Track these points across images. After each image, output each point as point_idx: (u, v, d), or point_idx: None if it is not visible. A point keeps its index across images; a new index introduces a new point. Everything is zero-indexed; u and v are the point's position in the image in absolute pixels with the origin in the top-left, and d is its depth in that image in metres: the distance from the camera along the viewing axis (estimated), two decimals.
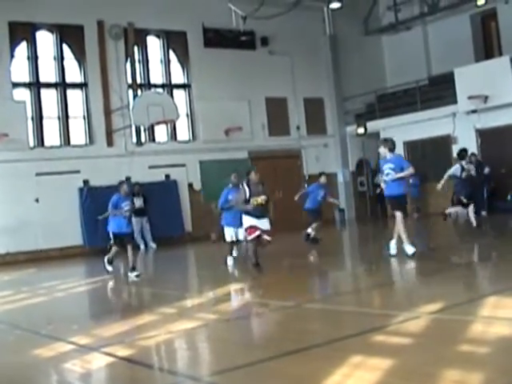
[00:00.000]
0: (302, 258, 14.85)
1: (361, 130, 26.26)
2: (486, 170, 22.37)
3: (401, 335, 6.65)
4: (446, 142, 24.71)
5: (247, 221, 12.21)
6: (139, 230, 21.19)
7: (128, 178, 21.16)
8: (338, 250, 18.15)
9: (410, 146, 25.82)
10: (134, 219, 20.87)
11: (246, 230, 12.35)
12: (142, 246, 21.27)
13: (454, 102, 23.55)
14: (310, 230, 16.98)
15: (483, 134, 23.85)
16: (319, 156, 26.79)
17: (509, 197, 22.28)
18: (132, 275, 13.16)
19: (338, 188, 27.07)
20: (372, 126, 26.25)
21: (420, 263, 12.25)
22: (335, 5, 25.45)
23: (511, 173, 22.66)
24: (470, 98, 22.71)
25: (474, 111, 23.36)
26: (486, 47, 27.67)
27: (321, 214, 17.18)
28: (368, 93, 26.91)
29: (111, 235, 13.55)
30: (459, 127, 24.25)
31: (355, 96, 26.99)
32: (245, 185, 12.32)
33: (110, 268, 14.12)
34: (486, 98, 22.50)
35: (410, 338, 6.52)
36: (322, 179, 17.40)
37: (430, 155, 25.13)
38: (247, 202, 12.05)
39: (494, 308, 7.60)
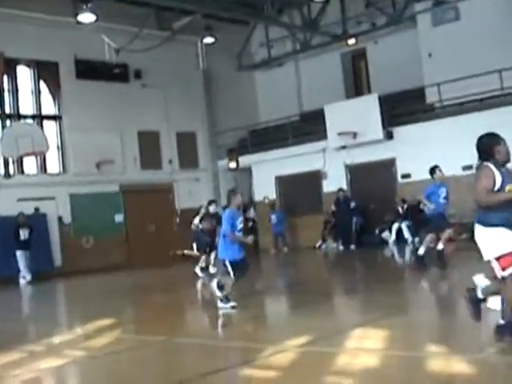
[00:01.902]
0: (173, 291, 14.73)
1: (232, 165, 26.43)
2: (353, 205, 23.09)
3: (269, 368, 6.67)
4: (316, 176, 25.23)
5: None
6: (25, 264, 20.44)
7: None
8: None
9: (282, 180, 26.23)
10: (18, 253, 20.34)
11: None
12: (29, 278, 20.44)
13: (325, 137, 24.13)
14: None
15: (352, 170, 24.52)
16: (191, 190, 26.72)
17: (377, 231, 22.97)
18: None
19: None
20: (244, 160, 26.50)
21: (291, 296, 12.39)
22: (209, 40, 25.64)
23: (380, 208, 23.36)
24: (339, 134, 23.36)
25: (343, 147, 24.01)
26: (356, 85, 28.61)
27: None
28: (240, 128, 27.18)
29: None
30: (329, 162, 24.80)
31: (228, 130, 27.17)
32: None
33: None
34: (354, 135, 23.21)
35: (277, 371, 6.56)
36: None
37: (300, 190, 25.54)
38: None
39: (360, 339, 7.77)
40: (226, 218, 10.73)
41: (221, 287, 10.74)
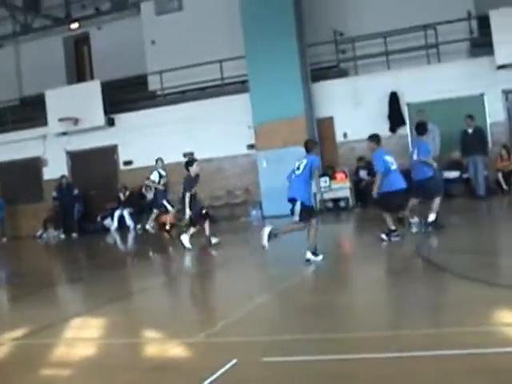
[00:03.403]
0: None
1: None
2: (75, 192, 22.69)
3: None
4: (36, 164, 24.40)
5: None
6: None
7: None
8: None
9: (1, 167, 25.00)
10: None
11: None
12: None
13: (45, 123, 23.44)
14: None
15: (73, 156, 24.08)
16: None
17: (99, 218, 22.73)
18: None
19: None
20: None
21: (9, 289, 11.87)
22: None
23: (102, 195, 23.14)
24: (60, 120, 22.79)
25: (64, 133, 23.49)
26: (79, 71, 28.08)
27: None
28: None
29: None
30: (50, 149, 24.12)
31: None
32: None
33: None
34: (76, 121, 22.79)
35: None
36: None
37: (20, 177, 24.53)
38: None
39: (79, 329, 7.61)
40: None
41: None
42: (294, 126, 19.36)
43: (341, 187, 19.61)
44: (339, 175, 19.79)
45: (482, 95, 19.42)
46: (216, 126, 21.51)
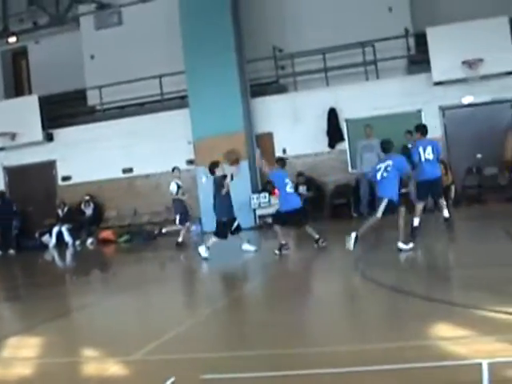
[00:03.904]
0: None
1: None
2: (14, 208, 22.34)
3: None
4: None
5: None
6: None
7: None
8: None
9: None
10: None
11: None
12: None
13: None
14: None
15: (11, 172, 23.74)
16: None
17: (37, 235, 22.42)
18: None
19: None
20: None
21: None
22: None
23: (40, 211, 22.82)
24: None
25: (1, 148, 23.16)
26: (17, 85, 27.69)
27: None
28: None
29: None
30: None
31: None
32: None
33: None
34: (13, 136, 22.48)
35: None
36: None
37: None
38: None
39: (14, 348, 7.47)
40: None
41: None
42: (234, 141, 19.41)
43: None
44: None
45: (419, 111, 19.79)
46: (155, 141, 21.46)
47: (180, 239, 16.49)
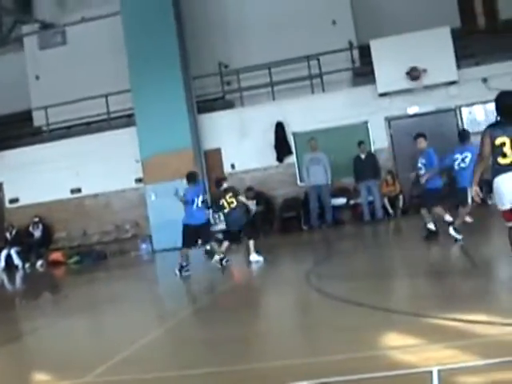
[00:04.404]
0: None
1: None
2: None
3: None
4: None
5: None
6: None
7: None
8: None
9: None
10: None
11: None
12: None
13: None
14: None
15: None
16: None
17: None
18: None
19: None
20: None
21: None
22: None
23: None
24: None
25: None
26: None
27: None
28: None
29: None
30: None
31: None
32: None
33: None
34: None
35: None
36: None
37: None
38: None
39: None
40: None
41: None
42: (182, 158, 19.37)
43: None
44: None
45: (365, 123, 20.03)
46: (103, 160, 21.30)
47: None
